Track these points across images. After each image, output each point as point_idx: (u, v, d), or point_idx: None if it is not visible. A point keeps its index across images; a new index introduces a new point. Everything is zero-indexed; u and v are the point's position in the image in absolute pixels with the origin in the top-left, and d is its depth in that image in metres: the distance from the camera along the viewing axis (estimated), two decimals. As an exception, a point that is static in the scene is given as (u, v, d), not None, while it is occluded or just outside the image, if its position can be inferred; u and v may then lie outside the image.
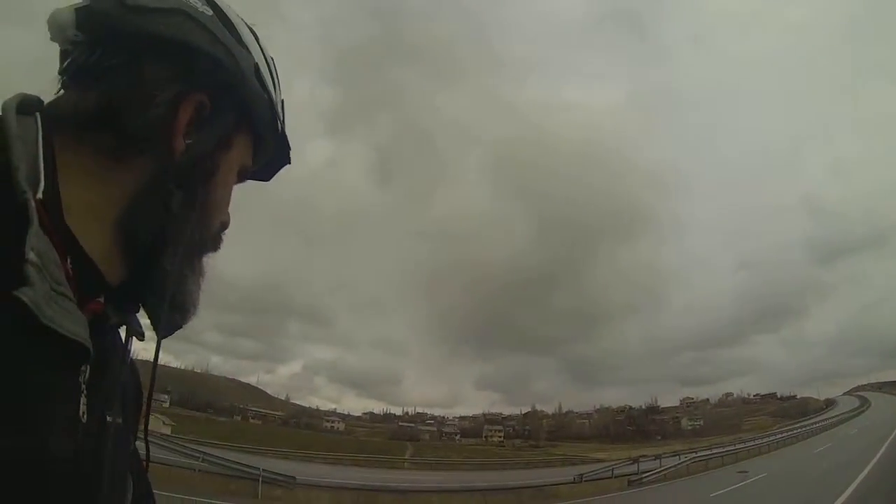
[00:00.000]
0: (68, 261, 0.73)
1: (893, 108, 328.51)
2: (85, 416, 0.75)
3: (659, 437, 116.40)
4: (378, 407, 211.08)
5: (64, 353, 0.68)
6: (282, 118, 1.04)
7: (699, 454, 36.00)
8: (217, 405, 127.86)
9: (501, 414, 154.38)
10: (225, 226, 1.00)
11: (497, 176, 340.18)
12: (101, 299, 0.83)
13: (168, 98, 0.84)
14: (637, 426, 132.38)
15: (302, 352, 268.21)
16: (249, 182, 1.08)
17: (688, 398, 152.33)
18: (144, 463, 1.01)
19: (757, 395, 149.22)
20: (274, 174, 1.15)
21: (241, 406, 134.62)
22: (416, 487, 23.99)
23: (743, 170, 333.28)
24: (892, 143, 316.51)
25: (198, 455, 20.95)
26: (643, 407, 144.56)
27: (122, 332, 0.91)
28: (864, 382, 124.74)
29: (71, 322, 0.68)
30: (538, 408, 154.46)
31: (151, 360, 0.88)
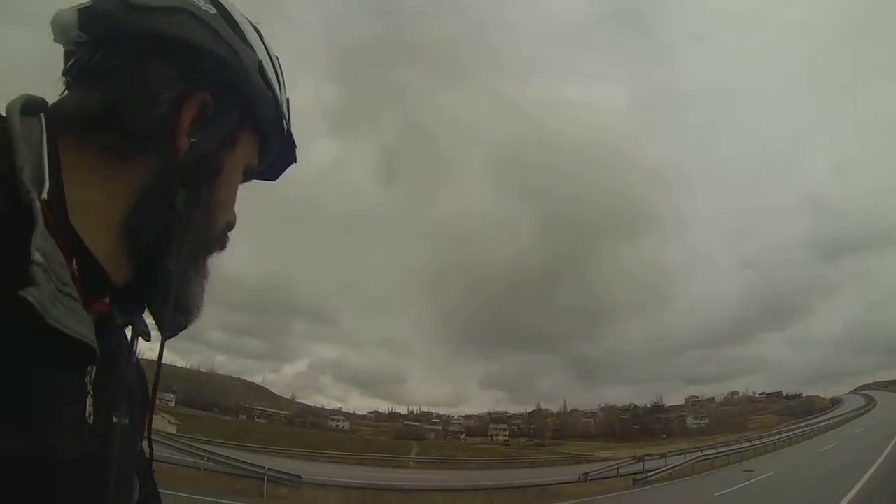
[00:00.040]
0: (73, 261, 0.72)
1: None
2: (91, 417, 0.74)
3: (664, 436, 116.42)
4: (383, 406, 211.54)
5: (70, 354, 0.68)
6: (287, 116, 1.03)
7: (704, 453, 35.87)
8: (222, 404, 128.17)
9: (506, 413, 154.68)
10: (231, 225, 0.99)
11: (501, 175, 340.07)
12: (107, 300, 0.83)
13: (172, 97, 0.83)
14: (642, 425, 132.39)
15: (307, 351, 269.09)
16: (254, 181, 1.07)
17: (693, 397, 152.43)
18: (150, 463, 1.01)
19: (762, 393, 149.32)
20: (280, 173, 1.15)
21: (247, 405, 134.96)
22: (422, 486, 23.95)
23: (747, 168, 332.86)
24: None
25: (203, 454, 21.01)
26: (648, 405, 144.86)
27: (128, 332, 0.90)
28: (870, 381, 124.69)
29: (77, 322, 0.67)
30: (543, 406, 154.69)
31: (155, 361, 0.89)
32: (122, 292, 0.84)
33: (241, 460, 21.63)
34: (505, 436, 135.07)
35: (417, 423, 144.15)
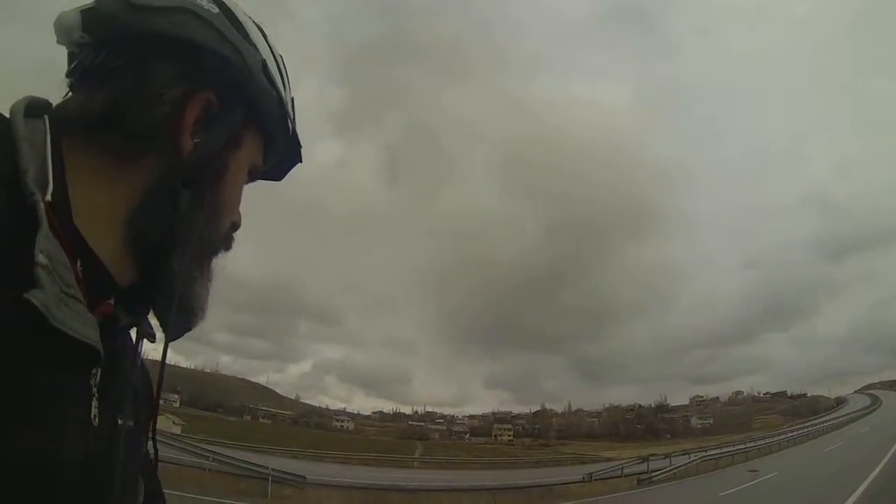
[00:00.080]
0: (78, 263, 0.73)
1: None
2: (96, 420, 0.74)
3: (668, 436, 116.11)
4: (388, 406, 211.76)
5: (75, 356, 0.68)
6: (292, 116, 1.02)
7: (709, 453, 35.81)
8: (227, 405, 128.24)
9: (511, 412, 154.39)
10: (236, 226, 0.99)
11: (505, 174, 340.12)
12: (112, 301, 0.82)
13: (175, 97, 0.83)
14: (647, 425, 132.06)
15: (312, 351, 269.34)
16: (259, 182, 1.06)
17: (697, 396, 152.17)
18: (154, 463, 1.00)
19: (767, 393, 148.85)
20: (286, 173, 1.14)
21: (251, 406, 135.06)
22: (426, 486, 23.88)
23: (750, 166, 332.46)
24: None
25: (208, 454, 20.98)
26: (653, 405, 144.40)
27: (133, 333, 0.90)
28: (876, 380, 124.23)
29: (81, 324, 0.67)
30: (548, 406, 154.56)
31: (159, 361, 0.88)
32: (127, 293, 0.84)
33: (246, 461, 21.59)
34: (509, 436, 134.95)
35: (422, 424, 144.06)
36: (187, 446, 22.30)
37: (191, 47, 0.83)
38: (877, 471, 20.87)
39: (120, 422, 0.82)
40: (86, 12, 0.82)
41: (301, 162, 1.13)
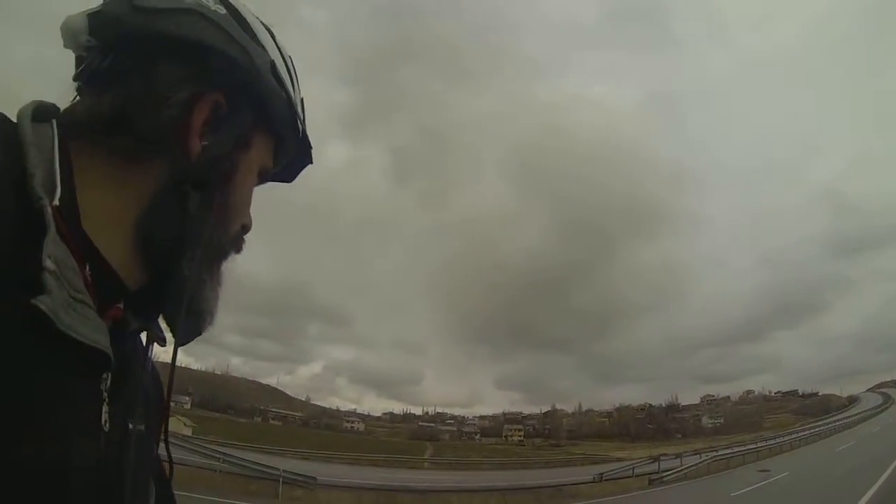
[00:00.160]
0: (87, 267, 0.72)
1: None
2: (107, 425, 0.74)
3: (679, 436, 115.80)
4: (398, 407, 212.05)
5: (84, 361, 0.68)
6: (302, 117, 1.01)
7: (720, 452, 35.69)
8: (237, 406, 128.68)
9: (521, 413, 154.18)
10: (247, 228, 0.98)
11: (514, 175, 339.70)
12: (121, 305, 0.82)
13: (183, 99, 0.82)
14: (657, 424, 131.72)
15: (322, 353, 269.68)
16: (269, 184, 1.06)
17: (708, 396, 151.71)
18: (168, 467, 1.00)
19: (778, 392, 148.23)
20: (296, 175, 1.13)
21: (262, 407, 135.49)
22: (436, 487, 23.95)
23: (763, 165, 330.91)
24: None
25: (219, 456, 21.04)
26: (663, 405, 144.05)
27: (143, 337, 0.90)
28: (888, 379, 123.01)
29: (90, 329, 0.67)
30: (558, 406, 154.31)
31: (169, 363, 0.88)
32: (137, 297, 0.84)
33: (257, 462, 21.67)
34: (520, 436, 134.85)
35: (432, 424, 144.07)
36: (198, 448, 22.38)
37: (198, 49, 0.83)
38: (889, 471, 20.73)
39: (131, 426, 0.82)
40: (92, 16, 0.82)
41: (312, 163, 1.12)
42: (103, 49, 0.82)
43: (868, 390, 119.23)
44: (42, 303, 0.60)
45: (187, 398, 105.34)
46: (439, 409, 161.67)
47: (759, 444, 40.16)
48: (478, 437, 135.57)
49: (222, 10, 0.87)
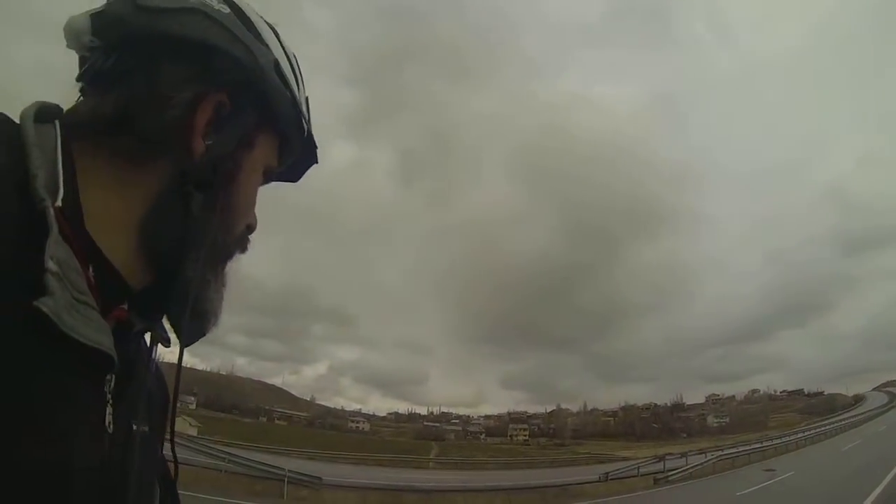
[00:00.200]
0: (90, 268, 0.72)
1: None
2: (111, 427, 0.74)
3: (684, 435, 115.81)
4: (403, 407, 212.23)
5: (88, 363, 0.67)
6: (307, 116, 1.01)
7: (725, 452, 35.58)
8: (243, 406, 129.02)
9: (526, 412, 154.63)
10: (252, 228, 0.97)
11: (519, 176, 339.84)
12: (125, 306, 0.82)
13: (186, 99, 0.81)
14: (662, 424, 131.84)
15: (327, 353, 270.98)
16: (272, 184, 1.05)
17: (713, 395, 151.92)
18: (173, 468, 0.99)
19: (784, 391, 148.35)
20: (302, 174, 1.12)
21: (267, 407, 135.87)
22: (441, 487, 23.86)
23: (769, 164, 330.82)
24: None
25: (224, 456, 21.03)
26: (668, 404, 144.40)
27: (147, 337, 0.89)
28: (894, 378, 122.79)
29: (94, 331, 0.66)
30: (563, 406, 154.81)
31: (175, 363, 0.87)
32: (141, 298, 0.83)
33: (262, 462, 21.63)
34: (525, 436, 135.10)
35: (437, 424, 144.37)
36: (203, 448, 22.35)
37: (201, 48, 0.82)
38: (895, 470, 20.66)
39: (135, 427, 0.81)
40: (95, 16, 0.81)
41: (317, 162, 1.11)
42: (106, 49, 0.81)
43: (874, 389, 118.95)
44: (44, 305, 0.60)
45: (192, 398, 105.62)
46: (444, 409, 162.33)
47: (765, 444, 40.01)
48: (483, 436, 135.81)
49: (226, 10, 0.86)
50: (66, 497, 0.64)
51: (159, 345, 0.90)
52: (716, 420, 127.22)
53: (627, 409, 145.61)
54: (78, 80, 0.84)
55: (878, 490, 17.08)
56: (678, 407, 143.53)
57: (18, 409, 0.60)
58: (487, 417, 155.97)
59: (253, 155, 0.92)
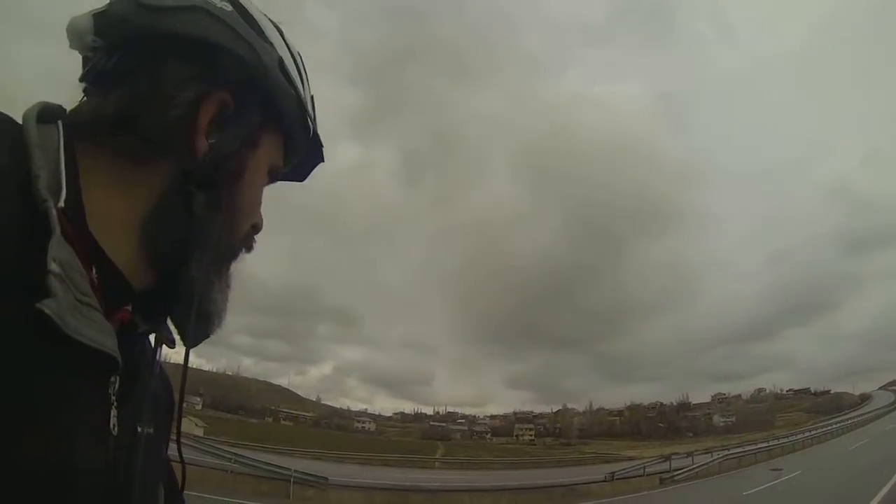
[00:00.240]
0: (93, 269, 0.71)
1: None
2: (115, 429, 0.73)
3: (690, 434, 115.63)
4: (409, 407, 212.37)
5: (92, 365, 0.67)
6: (312, 114, 0.99)
7: (732, 451, 35.54)
8: (249, 407, 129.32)
9: (532, 412, 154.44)
10: (257, 228, 0.97)
11: (524, 176, 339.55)
12: (129, 307, 0.81)
13: (189, 98, 0.81)
14: (668, 423, 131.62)
15: (332, 353, 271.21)
16: (276, 184, 1.03)
17: (719, 394, 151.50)
18: (180, 470, 0.99)
19: (790, 390, 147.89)
20: (308, 173, 1.11)
21: (273, 408, 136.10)
22: (447, 487, 23.92)
23: (774, 163, 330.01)
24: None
25: (230, 456, 21.05)
26: (674, 403, 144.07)
27: (152, 338, 0.89)
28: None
29: (97, 333, 0.66)
30: (569, 406, 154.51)
31: (181, 364, 0.86)
32: (145, 299, 0.82)
33: (268, 462, 21.66)
34: (531, 435, 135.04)
35: (443, 424, 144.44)
36: (210, 448, 22.38)
37: (204, 46, 0.81)
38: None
39: (139, 429, 0.81)
40: (97, 16, 0.81)
41: (323, 161, 1.10)
42: (109, 49, 0.81)
43: (881, 388, 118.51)
44: (47, 307, 0.60)
45: (199, 399, 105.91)
46: (450, 409, 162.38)
47: (771, 443, 39.94)
48: (489, 436, 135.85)
49: (228, 7, 0.86)
50: (70, 500, 0.64)
51: (164, 346, 0.89)
52: (722, 419, 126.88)
53: (633, 409, 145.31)
54: (81, 80, 0.84)
55: (885, 490, 17.02)
56: (684, 406, 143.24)
57: (22, 411, 0.59)
58: (493, 417, 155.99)
59: (258, 154, 0.91)
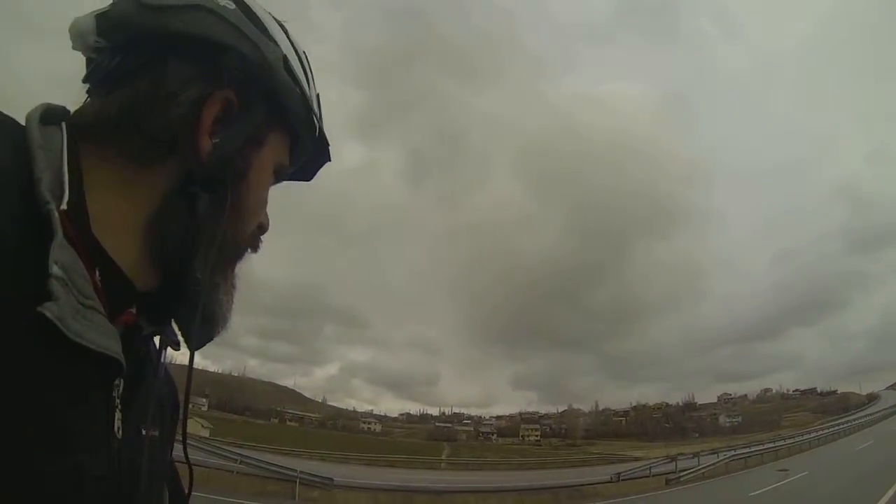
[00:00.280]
0: (96, 272, 0.70)
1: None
2: (120, 431, 0.73)
3: (696, 435, 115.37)
4: (415, 408, 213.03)
5: (95, 368, 0.66)
6: (318, 113, 0.98)
7: (738, 452, 35.39)
8: (255, 408, 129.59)
9: (538, 413, 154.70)
10: (263, 228, 0.96)
11: (529, 176, 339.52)
12: (133, 310, 0.80)
13: (192, 97, 0.80)
14: (674, 423, 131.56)
15: (338, 354, 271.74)
16: (281, 185, 1.02)
17: (725, 394, 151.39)
18: (187, 472, 0.99)
19: (796, 390, 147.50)
20: (315, 173, 1.10)
21: (279, 408, 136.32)
22: (453, 488, 23.87)
23: (778, 161, 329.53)
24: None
25: (236, 457, 21.08)
26: (680, 404, 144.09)
27: (157, 341, 0.88)
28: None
29: (101, 336, 0.65)
30: (575, 406, 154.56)
31: (186, 366, 0.85)
32: (149, 301, 0.82)
33: (273, 463, 21.65)
34: (536, 436, 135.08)
35: (449, 425, 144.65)
36: (215, 449, 22.41)
37: (207, 45, 0.81)
38: (911, 469, 20.50)
39: (144, 432, 0.80)
40: (100, 16, 0.81)
41: (330, 160, 1.08)
42: (112, 49, 0.80)
43: (888, 388, 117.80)
44: (48, 310, 0.59)
45: (204, 400, 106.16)
46: (456, 410, 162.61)
47: (778, 443, 39.78)
48: (494, 437, 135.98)
49: (231, 6, 0.85)
50: (75, 503, 0.64)
51: (169, 348, 0.89)
52: (728, 420, 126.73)
53: (639, 409, 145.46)
54: (84, 81, 0.83)
55: (892, 491, 16.94)
56: (690, 406, 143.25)
57: (25, 416, 0.59)
58: (499, 418, 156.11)
59: (263, 153, 0.90)
